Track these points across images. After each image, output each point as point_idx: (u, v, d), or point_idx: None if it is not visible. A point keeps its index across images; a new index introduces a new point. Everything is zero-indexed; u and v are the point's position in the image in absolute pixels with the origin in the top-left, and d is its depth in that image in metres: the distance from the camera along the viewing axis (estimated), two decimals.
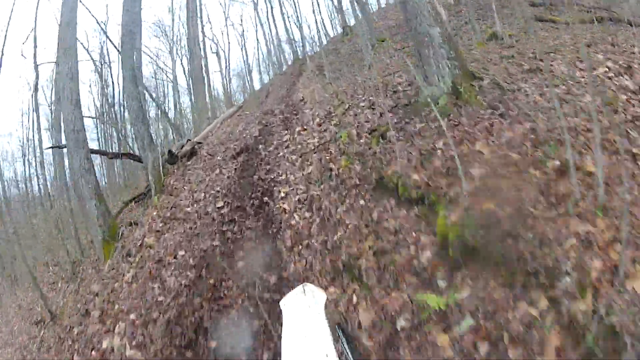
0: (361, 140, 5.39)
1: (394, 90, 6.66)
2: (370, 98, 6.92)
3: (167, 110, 26.16)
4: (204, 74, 16.77)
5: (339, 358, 1.04)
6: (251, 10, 32.13)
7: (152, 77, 29.17)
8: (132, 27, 8.35)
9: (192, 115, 17.99)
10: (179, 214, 5.87)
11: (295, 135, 7.58)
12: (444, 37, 5.18)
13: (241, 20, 44.32)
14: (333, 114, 7.49)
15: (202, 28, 27.05)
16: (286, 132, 8.16)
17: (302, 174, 5.81)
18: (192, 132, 16.66)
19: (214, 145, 8.71)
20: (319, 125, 7.25)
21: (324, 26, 30.13)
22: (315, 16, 47.14)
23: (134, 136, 8.34)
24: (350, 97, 7.92)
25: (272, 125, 9.15)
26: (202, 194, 6.16)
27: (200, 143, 9.45)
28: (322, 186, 5.06)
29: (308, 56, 25.67)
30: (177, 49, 28.20)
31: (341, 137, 5.96)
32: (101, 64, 23.39)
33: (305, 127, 7.72)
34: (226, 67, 31.47)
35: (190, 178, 7.06)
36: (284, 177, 6.05)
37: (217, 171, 6.96)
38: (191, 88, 24.77)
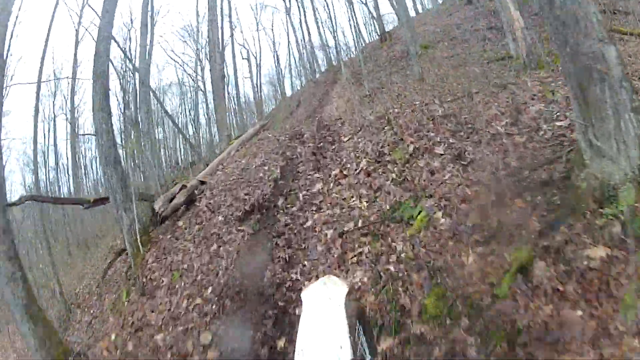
0: (462, 256, 2.69)
1: (495, 135, 3.92)
2: (452, 141, 4.19)
3: (196, 122, 24.50)
4: (224, 85, 14.60)
5: (354, 352, 1.03)
6: (283, 16, 30.13)
7: (179, 84, 27.72)
8: (108, 32, 6.15)
9: (208, 132, 15.99)
10: (145, 343, 3.45)
11: (332, 185, 4.99)
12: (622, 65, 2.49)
13: (272, 25, 42.35)
14: (387, 156, 4.84)
15: (232, 33, 25.22)
16: (318, 175, 5.59)
17: (342, 276, 3.22)
18: (205, 153, 14.58)
19: (220, 191, 6.32)
20: (368, 174, 4.62)
21: (360, 32, 27.36)
22: (350, 21, 44.67)
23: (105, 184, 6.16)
24: (409, 129, 5.23)
25: (299, 161, 6.64)
26: (185, 303, 3.72)
27: (203, 183, 7.14)
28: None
29: (343, 62, 23.09)
30: (204, 54, 26.53)
31: (414, 222, 3.29)
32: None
33: (345, 172, 5.12)
34: (257, 73, 29.51)
35: (174, 258, 4.68)
36: (312, 274, 3.48)
37: (214, 247, 4.51)
38: (210, 100, 22.97)
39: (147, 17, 14.92)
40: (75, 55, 16.93)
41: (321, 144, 7.35)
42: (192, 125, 25.30)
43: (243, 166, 7.28)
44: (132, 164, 12.53)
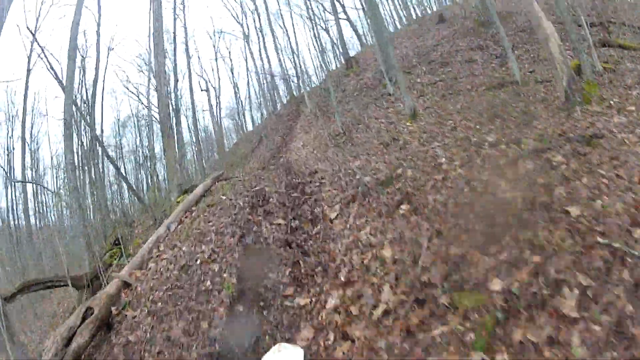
0: None
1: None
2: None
3: (152, 163, 21.15)
4: (172, 124, 12.04)
5: None
6: (242, 43, 28.30)
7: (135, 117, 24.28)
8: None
9: (152, 188, 13.26)
10: None
11: (323, 313, 2.77)
12: None
13: (230, 55, 40.04)
14: (434, 288, 2.69)
15: (188, 63, 22.75)
16: (302, 302, 3.33)
17: None
18: (146, 211, 11.80)
19: (145, 316, 3.84)
20: (406, 329, 2.43)
21: (323, 58, 25.98)
22: (311, 48, 43.63)
23: None
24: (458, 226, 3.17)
25: (268, 256, 4.35)
26: None
27: (128, 285, 4.61)
28: None
29: (306, 92, 21.27)
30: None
31: None
32: None
33: (354, 309, 2.89)
34: (217, 106, 26.96)
35: None
36: None
37: None
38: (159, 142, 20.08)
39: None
40: None
41: (296, 221, 5.11)
42: (147, 165, 22.00)
43: (183, 260, 4.81)
44: None
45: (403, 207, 4.16)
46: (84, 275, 7.15)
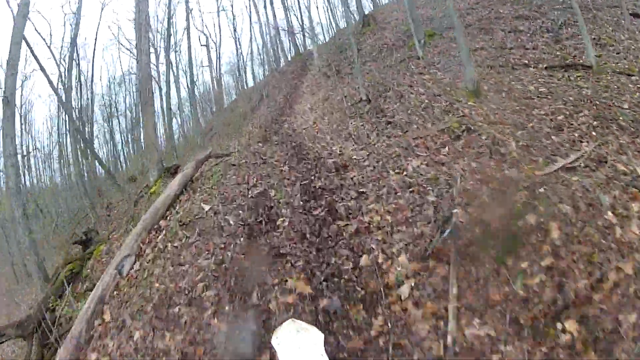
0: None
1: None
2: None
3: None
4: (152, 89, 9.27)
5: None
6: None
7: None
8: None
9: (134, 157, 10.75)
10: None
11: None
12: None
13: (232, 7, 35.61)
14: None
15: (187, 16, 19.22)
16: None
17: None
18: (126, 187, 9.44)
19: None
20: None
21: (334, 15, 22.54)
22: (319, 7, 39.06)
23: None
24: None
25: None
26: None
27: None
28: None
29: (315, 47, 18.17)
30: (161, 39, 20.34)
31: None
32: None
33: None
34: (217, 61, 23.64)
35: None
36: None
37: None
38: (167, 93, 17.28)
39: None
40: None
41: (329, 289, 2.77)
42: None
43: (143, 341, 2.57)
44: None
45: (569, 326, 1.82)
46: (29, 318, 4.85)
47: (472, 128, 4.48)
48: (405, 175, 3.96)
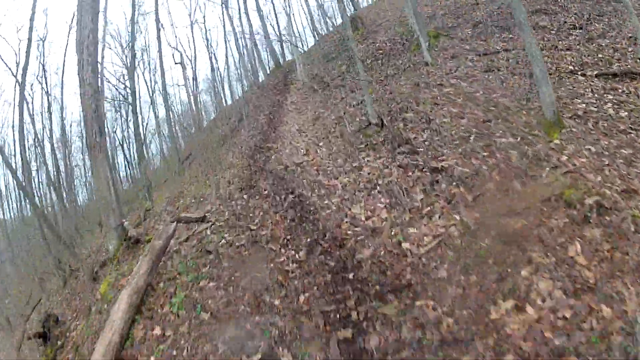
0: None
1: None
2: None
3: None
4: (102, 138, 7.02)
5: None
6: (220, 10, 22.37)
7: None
8: None
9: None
10: None
11: None
12: None
13: (204, 20, 33.07)
14: None
15: (158, 34, 16.94)
16: None
17: None
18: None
19: None
20: None
21: (313, 21, 20.70)
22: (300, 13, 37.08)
23: None
24: None
25: None
26: None
27: None
28: None
29: (297, 57, 16.22)
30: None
31: None
32: None
33: None
34: (193, 80, 21.31)
35: None
36: None
37: None
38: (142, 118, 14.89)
39: None
40: None
41: None
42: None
43: None
44: None
45: None
46: None
47: (601, 201, 2.58)
48: (540, 322, 2.00)
